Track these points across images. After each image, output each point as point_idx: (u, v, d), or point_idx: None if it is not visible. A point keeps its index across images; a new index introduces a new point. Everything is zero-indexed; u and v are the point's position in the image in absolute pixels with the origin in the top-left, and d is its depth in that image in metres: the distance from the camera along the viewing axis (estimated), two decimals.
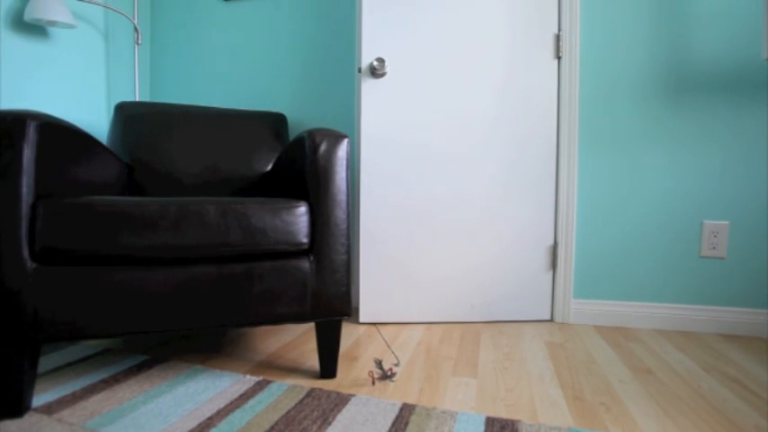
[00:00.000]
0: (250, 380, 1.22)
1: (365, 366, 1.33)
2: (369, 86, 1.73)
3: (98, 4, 1.94)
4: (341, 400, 1.10)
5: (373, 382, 1.21)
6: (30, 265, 0.97)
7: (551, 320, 1.82)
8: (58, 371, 1.26)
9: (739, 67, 1.64)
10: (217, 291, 1.09)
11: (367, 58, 1.72)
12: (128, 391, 1.14)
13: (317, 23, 2.03)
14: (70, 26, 1.71)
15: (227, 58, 2.15)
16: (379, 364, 1.27)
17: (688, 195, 1.70)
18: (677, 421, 1.02)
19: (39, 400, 1.08)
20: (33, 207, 0.98)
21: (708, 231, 1.68)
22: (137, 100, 2.00)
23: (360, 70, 1.74)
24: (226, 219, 1.10)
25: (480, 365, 1.35)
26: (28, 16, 1.61)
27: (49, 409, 1.04)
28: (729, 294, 1.67)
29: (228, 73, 2.15)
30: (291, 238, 1.16)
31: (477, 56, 1.75)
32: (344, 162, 1.22)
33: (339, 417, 1.02)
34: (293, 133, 2.05)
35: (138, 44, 2.06)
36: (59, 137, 1.08)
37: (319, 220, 1.19)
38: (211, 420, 1.00)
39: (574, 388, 1.19)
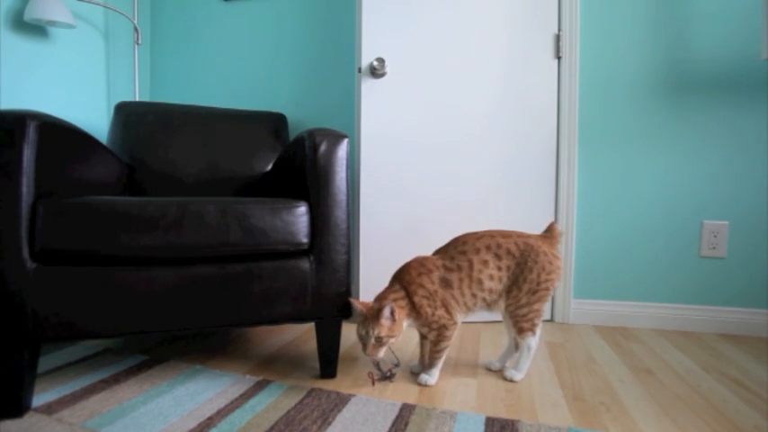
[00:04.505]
0: (250, 380, 1.22)
1: (365, 366, 1.33)
2: (369, 86, 1.73)
3: (98, 4, 1.94)
4: (341, 401, 1.10)
5: (373, 383, 1.21)
6: (30, 265, 0.97)
7: (551, 320, 1.82)
8: (58, 371, 1.26)
9: (739, 67, 1.64)
10: (217, 291, 1.09)
11: (367, 58, 1.72)
12: (128, 391, 1.14)
13: (317, 23, 2.03)
14: (70, 26, 1.71)
15: (227, 58, 2.14)
16: (377, 364, 1.26)
17: (688, 195, 1.70)
18: (677, 421, 1.02)
19: (39, 400, 1.08)
20: (33, 207, 0.98)
21: (708, 231, 1.68)
22: (137, 100, 2.00)
23: (360, 70, 1.74)
24: (226, 219, 1.10)
25: (480, 365, 1.35)
26: (28, 16, 1.61)
27: (49, 409, 1.04)
28: (729, 294, 1.67)
29: (228, 73, 2.14)
30: (291, 237, 1.16)
31: (477, 55, 1.75)
32: (344, 162, 1.22)
33: (339, 417, 1.02)
34: (293, 133, 2.05)
35: (138, 44, 2.06)
36: (59, 137, 1.08)
37: (319, 220, 1.19)
38: (211, 420, 1.00)
39: (574, 388, 1.19)
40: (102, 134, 2.03)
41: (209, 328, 1.11)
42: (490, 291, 1.20)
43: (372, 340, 1.11)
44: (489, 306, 1.22)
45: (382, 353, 1.14)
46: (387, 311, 1.11)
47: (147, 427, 0.97)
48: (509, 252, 1.19)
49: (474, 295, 1.19)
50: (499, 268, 1.19)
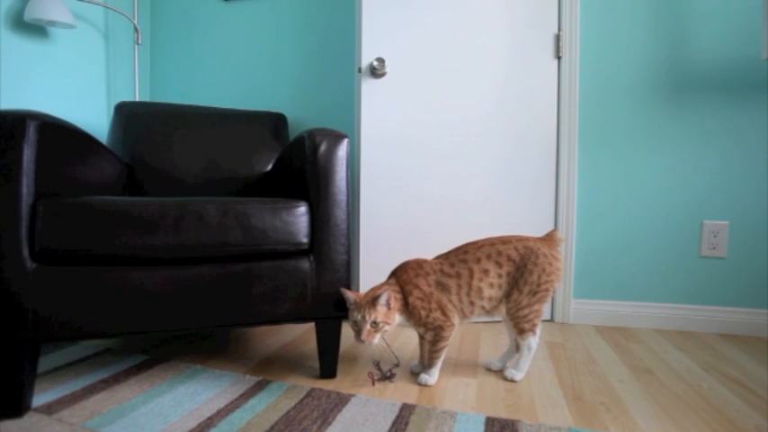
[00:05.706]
0: (250, 380, 1.22)
1: (365, 366, 1.33)
2: (369, 86, 1.73)
3: (98, 4, 1.94)
4: (341, 400, 1.10)
5: (373, 383, 1.21)
6: (29, 265, 0.97)
7: (551, 320, 1.82)
8: (58, 371, 1.26)
9: (739, 67, 1.64)
10: (217, 291, 1.09)
11: (367, 58, 1.72)
12: (128, 391, 1.14)
13: (317, 23, 2.03)
14: (70, 26, 1.71)
15: (227, 58, 2.14)
16: (377, 365, 1.26)
17: (688, 195, 1.70)
18: (677, 421, 1.02)
19: (39, 400, 1.08)
20: (33, 207, 0.98)
21: (708, 231, 1.68)
22: (137, 100, 2.00)
23: (360, 70, 1.74)
24: (226, 219, 1.10)
25: (480, 365, 1.35)
26: (28, 16, 1.61)
27: (49, 409, 1.04)
28: (729, 294, 1.67)
29: (228, 73, 2.14)
30: (291, 237, 1.16)
31: (477, 56, 1.75)
32: (344, 162, 1.22)
33: (339, 417, 1.02)
34: (293, 133, 2.05)
35: (138, 44, 2.06)
36: (59, 137, 1.08)
37: (319, 220, 1.19)
38: (211, 420, 1.00)
39: (574, 388, 1.19)
40: (102, 134, 2.03)
41: (210, 328, 1.11)
42: (490, 299, 1.20)
43: (368, 325, 1.12)
44: (488, 312, 1.23)
45: (377, 339, 1.14)
46: (383, 298, 1.12)
47: (147, 427, 0.97)
48: (509, 258, 1.19)
49: (472, 303, 1.19)
50: (500, 275, 1.19)
